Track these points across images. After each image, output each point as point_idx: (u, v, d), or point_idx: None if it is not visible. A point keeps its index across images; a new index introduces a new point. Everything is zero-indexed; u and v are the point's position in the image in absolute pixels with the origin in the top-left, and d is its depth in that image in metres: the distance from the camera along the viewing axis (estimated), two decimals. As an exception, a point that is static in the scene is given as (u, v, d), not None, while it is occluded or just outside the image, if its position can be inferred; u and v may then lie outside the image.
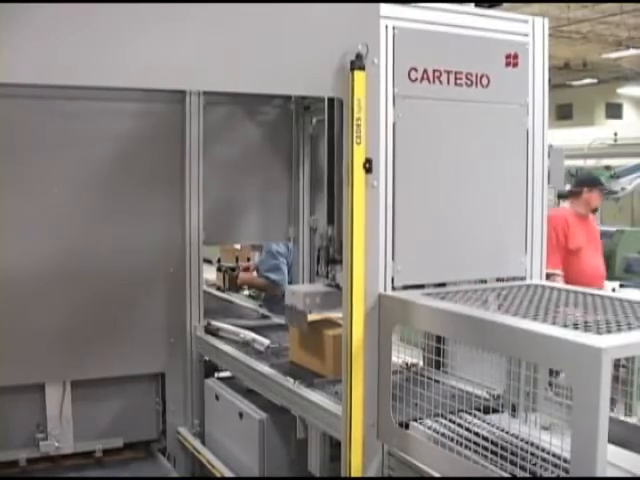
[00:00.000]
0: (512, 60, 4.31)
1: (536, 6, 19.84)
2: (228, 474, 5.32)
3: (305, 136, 6.44)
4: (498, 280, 4.38)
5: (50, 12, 3.29)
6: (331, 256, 4.90)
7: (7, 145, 5.55)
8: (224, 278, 8.35)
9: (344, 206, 3.89)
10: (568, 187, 10.21)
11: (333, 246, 4.90)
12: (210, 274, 8.08)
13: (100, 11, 3.37)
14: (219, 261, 9.96)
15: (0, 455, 5.82)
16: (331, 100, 4.32)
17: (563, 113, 34.06)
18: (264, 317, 6.85)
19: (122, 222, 5.86)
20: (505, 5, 4.72)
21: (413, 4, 4.12)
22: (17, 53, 3.26)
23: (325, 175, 4.63)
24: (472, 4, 4.40)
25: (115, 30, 3.42)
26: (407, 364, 4.41)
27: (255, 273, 8.15)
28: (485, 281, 4.35)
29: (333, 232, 4.88)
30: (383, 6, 3.94)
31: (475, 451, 3.49)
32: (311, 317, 4.94)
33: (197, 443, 6.02)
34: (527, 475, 3.27)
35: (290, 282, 7.53)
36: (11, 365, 5.65)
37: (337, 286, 4.82)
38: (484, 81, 4.22)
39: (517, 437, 3.62)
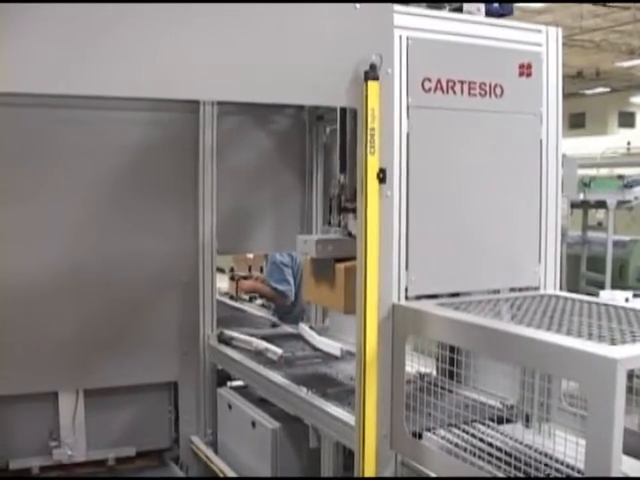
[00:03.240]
0: (526, 70, 4.30)
1: (548, 15, 19.84)
2: (241, 483, 5.33)
3: (318, 145, 6.45)
4: (512, 290, 4.37)
5: (66, 21, 3.31)
6: (343, 204, 4.92)
7: (20, 154, 5.58)
8: (237, 287, 8.38)
9: (358, 217, 3.89)
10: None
11: (345, 194, 4.92)
12: (223, 283, 8.10)
13: (115, 21, 3.39)
14: (232, 270, 9.98)
15: (13, 463, 5.86)
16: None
17: (576, 122, 34.01)
18: (277, 326, 6.84)
19: (136, 231, 5.88)
20: (516, 14, 4.71)
21: (427, 14, 4.13)
22: (31, 62, 3.29)
23: (338, 130, 4.80)
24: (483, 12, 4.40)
25: (130, 40, 3.43)
26: (420, 374, 4.40)
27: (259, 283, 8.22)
28: (498, 291, 4.34)
29: (345, 180, 4.91)
30: (397, 16, 3.95)
31: (489, 461, 3.48)
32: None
33: (210, 452, 6.02)
34: (541, 486, 3.27)
35: (297, 291, 7.56)
36: (25, 373, 5.68)
37: (349, 234, 4.85)
38: (498, 91, 4.22)
39: (531, 447, 3.61)
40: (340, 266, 4.77)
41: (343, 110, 5.03)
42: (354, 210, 4.87)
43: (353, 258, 4.85)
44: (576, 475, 3.25)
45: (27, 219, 5.63)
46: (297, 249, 5.01)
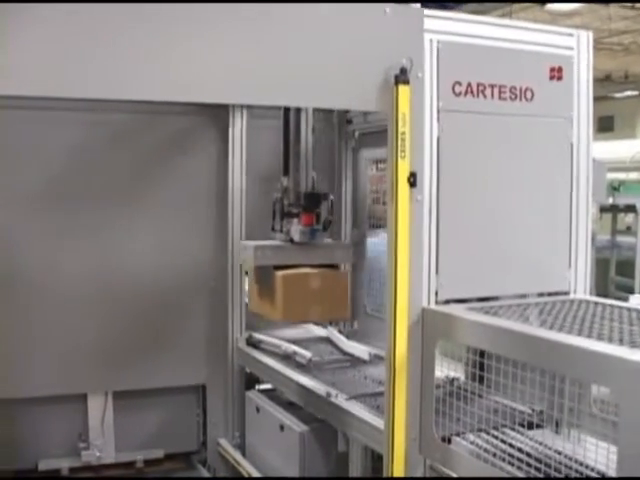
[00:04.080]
0: (556, 73, 4.29)
1: (577, 18, 19.74)
2: (269, 487, 5.33)
3: (347, 149, 6.44)
4: (541, 294, 4.35)
5: (97, 26, 3.35)
6: (286, 209, 4.87)
7: (63, 159, 5.64)
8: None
9: (388, 221, 3.89)
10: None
11: (288, 198, 4.87)
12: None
13: (145, 26, 3.41)
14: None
15: (43, 463, 5.91)
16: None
17: (604, 125, 33.72)
18: (305, 330, 6.84)
19: (164, 236, 5.91)
20: (545, 18, 4.70)
21: (457, 17, 4.12)
22: (61, 66, 3.33)
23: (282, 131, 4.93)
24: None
25: (162, 44, 3.45)
26: (449, 378, 4.39)
27: None
28: (528, 295, 4.32)
29: (288, 183, 4.87)
30: (427, 20, 3.95)
31: (518, 467, 3.46)
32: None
33: (237, 455, 6.04)
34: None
35: None
36: (55, 375, 5.73)
37: (291, 240, 4.84)
38: (528, 95, 4.21)
39: (560, 453, 3.58)
40: (279, 274, 4.79)
41: (286, 110, 5.07)
42: (298, 215, 4.86)
43: (295, 266, 4.84)
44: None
45: (62, 224, 5.68)
46: (239, 256, 4.97)
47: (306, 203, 5.03)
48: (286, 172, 5.04)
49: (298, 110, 5.02)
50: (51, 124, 5.61)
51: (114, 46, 3.38)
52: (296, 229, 4.89)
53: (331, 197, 5.08)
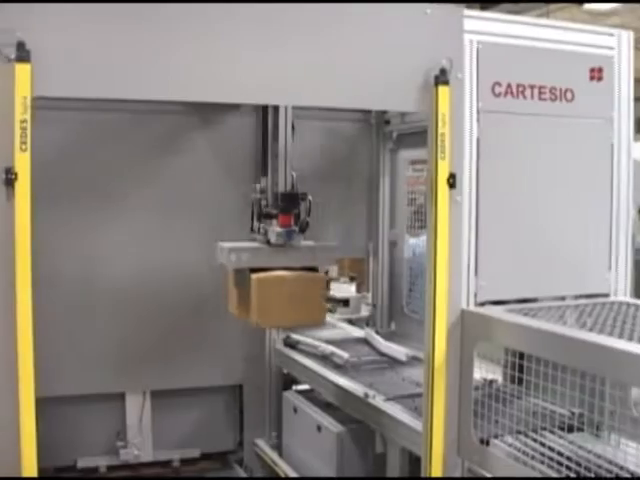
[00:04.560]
0: (597, 74, 4.26)
1: (615, 18, 19.58)
2: (305, 487, 5.33)
3: (385, 150, 6.43)
4: (580, 297, 4.32)
5: (147, 29, 3.42)
6: (264, 210, 4.82)
7: (101, 161, 5.68)
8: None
9: (428, 222, 3.88)
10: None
11: (266, 199, 4.81)
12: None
13: (191, 28, 3.45)
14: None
15: (82, 461, 5.96)
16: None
17: (643, 126, 33.51)
18: (343, 330, 6.84)
19: (203, 237, 5.91)
20: (584, 17, 4.68)
21: (497, 18, 4.11)
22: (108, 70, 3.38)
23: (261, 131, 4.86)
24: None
25: (206, 46, 3.49)
26: (486, 380, 4.37)
27: None
28: (566, 297, 4.30)
29: (266, 184, 4.81)
30: (467, 21, 3.94)
31: (557, 470, 3.44)
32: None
33: (274, 455, 6.04)
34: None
35: None
36: (94, 374, 5.77)
37: (268, 242, 4.74)
38: (568, 95, 4.18)
39: (600, 457, 3.55)
40: (254, 276, 4.65)
41: (264, 110, 5.05)
42: (276, 216, 4.79)
43: (273, 268, 4.75)
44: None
45: (100, 226, 5.72)
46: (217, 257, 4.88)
47: (283, 204, 4.86)
48: (264, 173, 4.95)
49: (276, 107, 4.92)
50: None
51: (156, 48, 3.43)
52: (273, 231, 4.79)
53: (309, 197, 4.94)
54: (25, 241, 3.18)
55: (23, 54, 3.15)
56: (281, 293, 4.70)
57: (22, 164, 3.16)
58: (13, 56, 3.15)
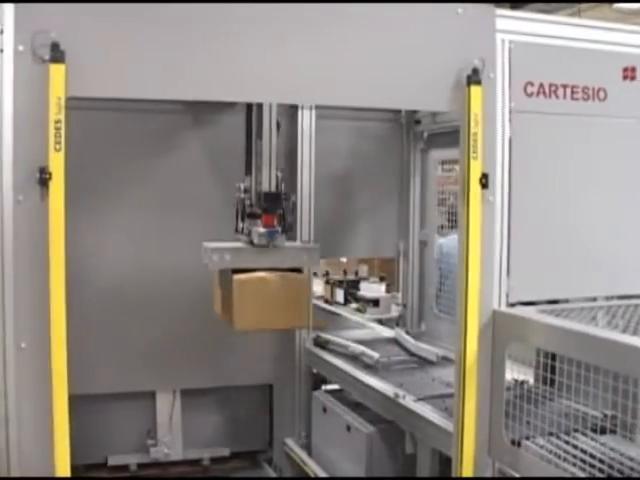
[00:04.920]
0: (630, 73, 4.22)
1: (646, 17, 19.41)
2: (334, 486, 5.33)
3: (416, 149, 6.42)
4: (611, 298, 4.28)
5: (180, 29, 3.44)
6: (248, 210, 4.75)
7: (124, 159, 5.70)
8: (332, 291, 8.35)
9: (460, 222, 3.87)
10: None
11: (250, 198, 4.76)
12: (317, 287, 8.11)
13: (224, 28, 3.47)
14: (327, 274, 10.00)
15: (112, 459, 6.02)
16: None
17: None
18: (373, 330, 6.83)
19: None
20: (614, 16, 4.64)
21: (529, 17, 4.09)
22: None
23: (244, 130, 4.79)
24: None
25: (238, 46, 3.50)
26: (517, 381, 4.35)
27: None
28: (597, 298, 4.27)
29: (250, 183, 4.76)
30: (499, 20, 3.92)
31: (589, 473, 3.41)
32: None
33: (304, 455, 6.04)
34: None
35: None
36: (125, 373, 5.81)
37: (251, 243, 4.66)
38: (601, 95, 4.15)
39: (633, 460, 3.52)
40: (236, 277, 4.61)
41: (249, 107, 4.96)
42: (260, 216, 4.73)
43: (257, 269, 4.65)
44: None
45: (128, 224, 5.75)
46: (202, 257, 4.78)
47: (266, 204, 4.78)
48: (248, 172, 4.91)
49: (260, 105, 4.82)
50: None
51: (189, 48, 3.45)
52: (255, 231, 4.71)
53: (293, 197, 4.90)
54: (59, 240, 3.20)
55: (57, 55, 3.17)
56: (263, 295, 4.67)
57: (56, 164, 3.18)
58: (47, 57, 3.18)
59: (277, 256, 4.74)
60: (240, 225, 4.84)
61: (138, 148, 5.78)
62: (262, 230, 4.68)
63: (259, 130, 4.76)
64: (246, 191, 4.82)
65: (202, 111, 5.88)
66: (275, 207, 4.77)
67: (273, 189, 4.82)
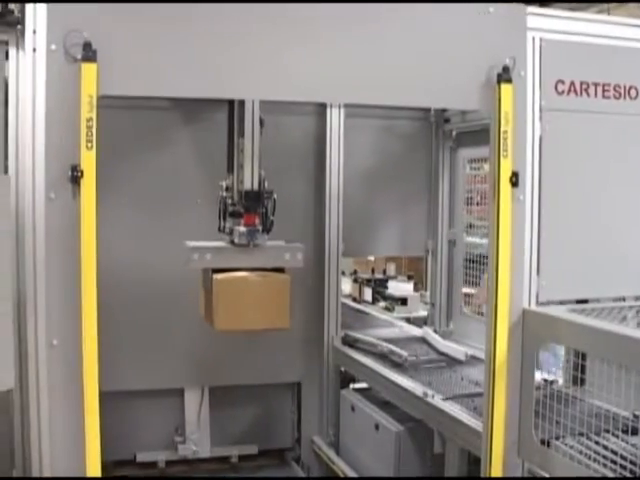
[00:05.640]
0: (662, 71, 4.19)
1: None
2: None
3: (445, 148, 6.41)
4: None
5: (212, 27, 3.46)
6: (230, 209, 4.69)
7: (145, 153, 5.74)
8: (360, 289, 8.32)
9: (490, 220, 3.85)
10: None
11: (232, 197, 4.70)
12: (345, 285, 8.09)
13: (256, 26, 3.49)
14: (355, 273, 9.99)
15: (141, 455, 6.03)
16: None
17: None
18: (401, 329, 6.82)
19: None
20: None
21: (560, 15, 4.06)
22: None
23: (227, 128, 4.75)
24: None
25: (271, 45, 3.53)
26: (546, 381, 4.33)
27: None
28: (626, 298, 4.24)
29: (232, 181, 4.71)
30: (530, 18, 3.91)
31: (620, 474, 3.38)
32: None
33: (331, 453, 6.04)
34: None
35: None
36: (153, 370, 5.82)
37: (233, 242, 4.61)
38: (633, 93, 4.12)
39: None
40: (216, 277, 4.53)
41: (231, 105, 4.88)
42: (242, 215, 4.68)
43: (238, 269, 4.55)
44: None
45: (150, 223, 5.78)
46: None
47: (248, 202, 4.71)
48: (230, 170, 4.82)
49: (242, 102, 4.73)
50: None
51: (219, 46, 3.47)
52: (236, 230, 4.64)
53: (274, 196, 4.76)
54: (91, 237, 3.22)
55: (89, 54, 3.19)
56: (244, 295, 4.60)
57: (88, 162, 3.20)
58: (79, 56, 3.20)
59: (259, 256, 4.68)
60: (222, 224, 4.79)
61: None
62: (243, 229, 4.63)
63: (241, 127, 4.72)
64: (228, 189, 4.78)
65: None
66: (256, 206, 4.72)
67: (255, 188, 4.75)
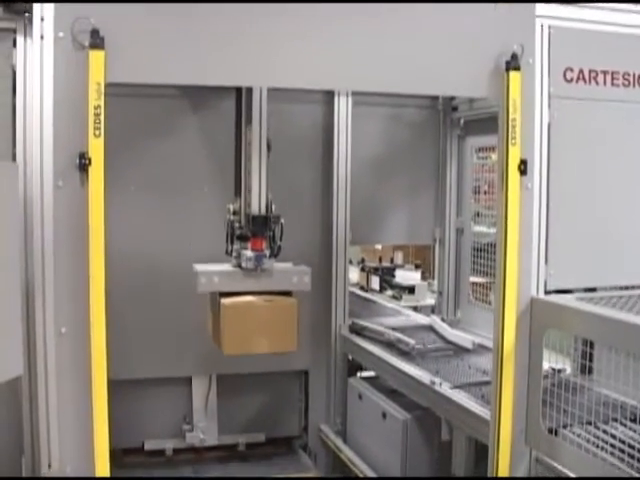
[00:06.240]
0: (671, 59, 4.17)
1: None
2: (370, 473, 5.31)
3: (452, 136, 6.39)
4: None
5: (220, 14, 3.46)
6: (237, 232, 4.70)
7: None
8: (367, 278, 8.29)
9: (498, 208, 3.85)
10: None
11: (239, 220, 4.71)
12: (353, 274, 8.08)
13: (261, 17, 3.48)
14: (362, 261, 9.99)
15: (149, 444, 6.04)
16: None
17: None
18: (408, 318, 6.81)
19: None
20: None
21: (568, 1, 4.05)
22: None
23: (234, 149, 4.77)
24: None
25: (279, 31, 3.53)
26: (554, 369, 4.32)
27: None
28: (634, 287, 4.23)
29: (240, 204, 4.71)
30: (538, 5, 3.89)
31: (628, 463, 3.38)
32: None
33: (338, 441, 6.05)
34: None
35: None
36: (161, 358, 5.83)
37: (239, 266, 4.62)
38: (642, 81, 4.11)
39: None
40: (224, 302, 4.56)
41: (238, 120, 4.88)
42: (249, 239, 4.64)
43: (246, 293, 4.57)
44: None
45: (174, 211, 5.80)
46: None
47: (255, 227, 4.72)
48: (237, 193, 4.83)
49: (249, 119, 4.74)
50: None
51: (227, 33, 3.47)
52: (244, 254, 4.65)
53: (282, 220, 4.77)
54: (99, 225, 3.23)
55: (97, 41, 3.19)
56: (251, 320, 4.63)
57: (96, 149, 3.20)
58: (87, 43, 3.20)
59: (266, 280, 4.70)
60: (230, 247, 4.81)
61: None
62: (250, 254, 4.65)
63: (248, 115, 4.69)
64: (235, 213, 4.79)
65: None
66: (264, 230, 4.73)
67: (263, 211, 4.77)
